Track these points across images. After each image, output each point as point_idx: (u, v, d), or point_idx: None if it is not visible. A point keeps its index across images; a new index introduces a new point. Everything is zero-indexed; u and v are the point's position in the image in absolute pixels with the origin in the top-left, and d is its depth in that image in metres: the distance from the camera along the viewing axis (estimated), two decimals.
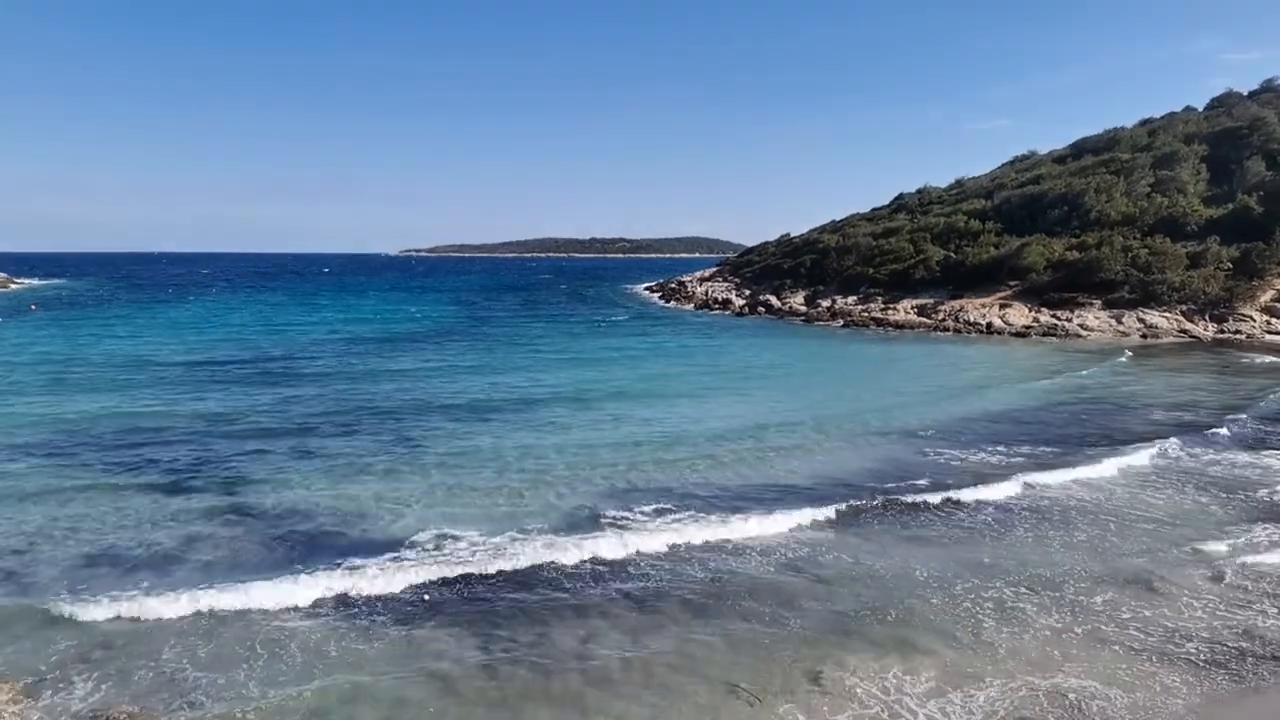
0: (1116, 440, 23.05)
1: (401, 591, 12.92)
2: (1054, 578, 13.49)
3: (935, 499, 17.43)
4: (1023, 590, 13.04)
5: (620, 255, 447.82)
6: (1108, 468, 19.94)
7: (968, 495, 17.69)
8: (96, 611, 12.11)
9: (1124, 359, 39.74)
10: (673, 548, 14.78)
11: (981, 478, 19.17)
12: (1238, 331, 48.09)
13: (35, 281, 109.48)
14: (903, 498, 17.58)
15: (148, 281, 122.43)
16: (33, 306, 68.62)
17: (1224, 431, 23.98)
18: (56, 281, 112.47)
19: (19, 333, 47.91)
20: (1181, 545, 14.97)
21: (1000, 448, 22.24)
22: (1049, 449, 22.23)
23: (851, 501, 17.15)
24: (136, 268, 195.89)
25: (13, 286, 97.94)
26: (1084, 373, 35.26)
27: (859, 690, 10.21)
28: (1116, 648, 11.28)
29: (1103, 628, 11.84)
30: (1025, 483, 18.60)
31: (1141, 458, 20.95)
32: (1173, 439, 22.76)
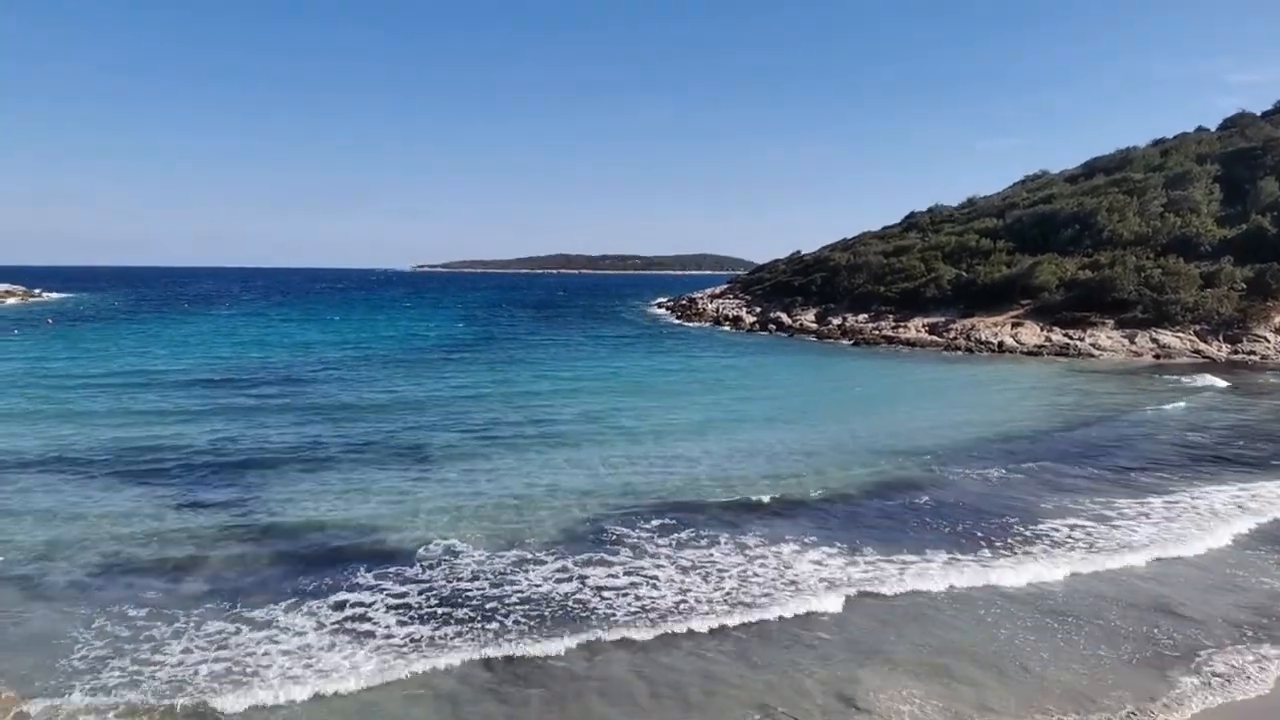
0: None
1: (407, 608, 12.93)
2: None
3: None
4: None
5: (632, 271, 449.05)
6: None
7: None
8: (102, 624, 12.21)
9: (1221, 386, 36.65)
10: (690, 571, 14.77)
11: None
12: (1252, 352, 47.72)
13: (51, 295, 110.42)
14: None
15: (162, 296, 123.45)
16: (49, 320, 69.25)
17: None
18: (71, 295, 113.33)
19: (34, 346, 48.36)
20: None
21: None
22: None
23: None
24: (151, 282, 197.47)
25: (30, 300, 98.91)
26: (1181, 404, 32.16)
27: None
28: None
29: None
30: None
31: None
32: None
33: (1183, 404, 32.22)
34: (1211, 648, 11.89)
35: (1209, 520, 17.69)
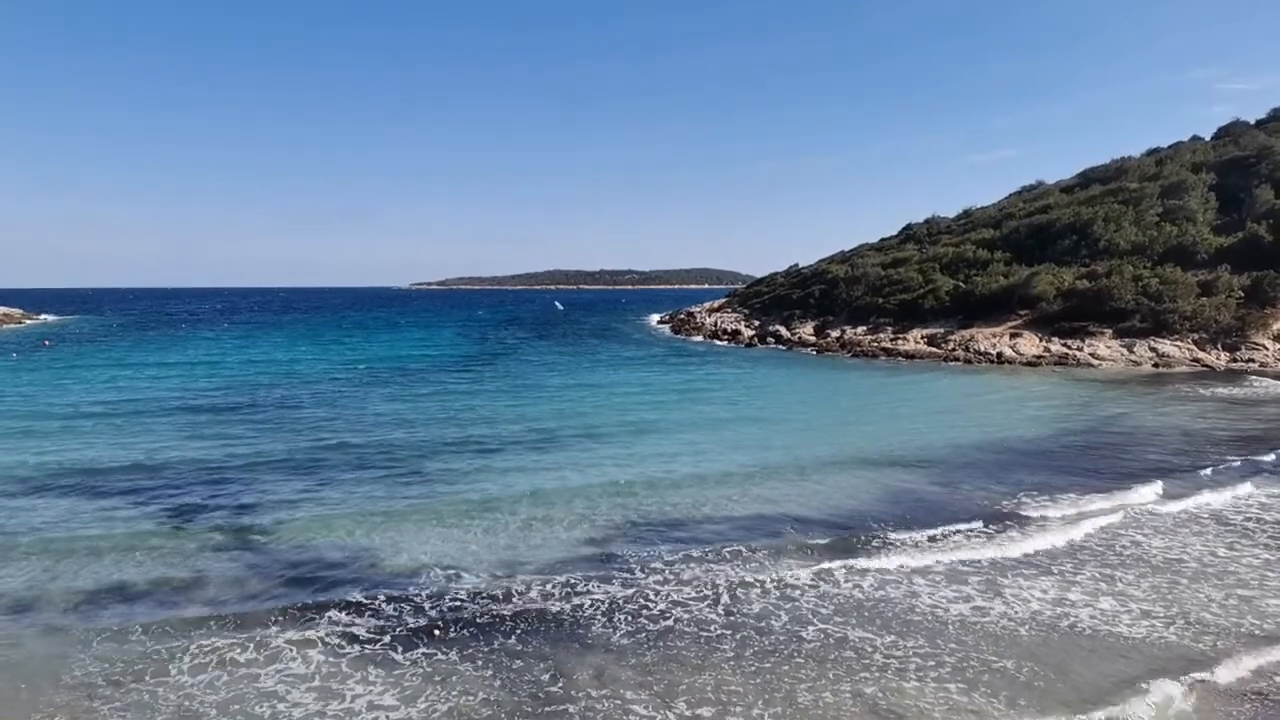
0: None
1: (414, 630, 12.85)
2: None
3: None
4: None
5: (629, 286, 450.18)
6: None
7: None
8: (103, 650, 12.11)
9: None
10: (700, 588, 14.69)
11: None
12: (1251, 360, 47.78)
13: (50, 317, 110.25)
14: None
15: (160, 318, 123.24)
16: (45, 342, 69.10)
17: None
18: (71, 318, 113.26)
19: (30, 368, 48.24)
20: None
21: None
22: None
23: None
24: (149, 304, 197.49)
25: (27, 322, 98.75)
26: None
27: None
28: None
29: None
30: None
31: None
32: None
33: None
34: None
35: None
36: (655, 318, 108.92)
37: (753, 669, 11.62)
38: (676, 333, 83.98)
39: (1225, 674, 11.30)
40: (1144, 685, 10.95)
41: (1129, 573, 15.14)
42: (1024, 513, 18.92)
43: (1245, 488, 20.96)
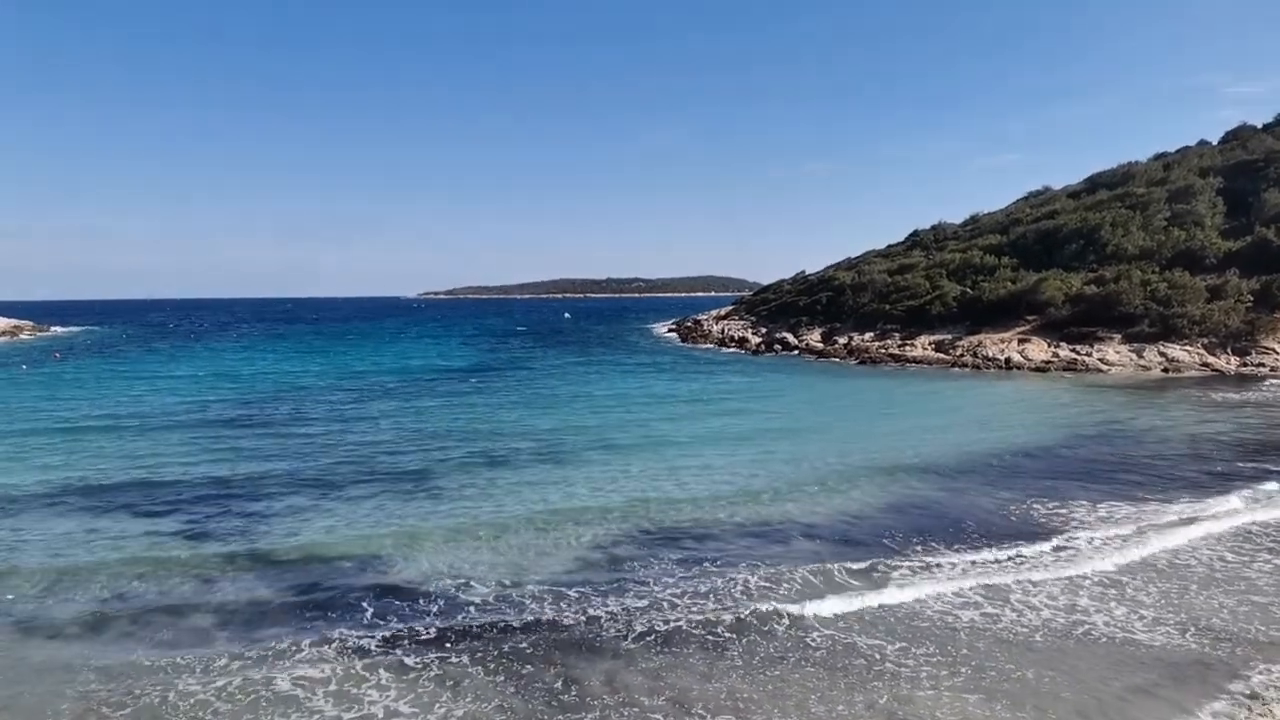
0: None
1: (427, 638, 12.88)
2: None
3: None
4: None
5: (636, 295, 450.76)
6: None
7: None
8: (111, 660, 12.15)
9: None
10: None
11: None
12: (1261, 364, 47.59)
13: (59, 329, 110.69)
14: None
15: (169, 328, 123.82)
16: (55, 354, 69.42)
17: None
18: (81, 329, 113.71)
19: (39, 381, 48.49)
20: None
21: None
22: None
23: None
24: (158, 316, 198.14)
25: (37, 335, 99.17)
26: None
27: None
28: None
29: None
30: None
31: None
32: None
33: None
34: None
35: None
36: (663, 326, 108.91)
37: (763, 677, 11.67)
38: (684, 340, 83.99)
39: None
40: None
41: (1203, 591, 15.08)
42: (1057, 527, 18.57)
43: None
